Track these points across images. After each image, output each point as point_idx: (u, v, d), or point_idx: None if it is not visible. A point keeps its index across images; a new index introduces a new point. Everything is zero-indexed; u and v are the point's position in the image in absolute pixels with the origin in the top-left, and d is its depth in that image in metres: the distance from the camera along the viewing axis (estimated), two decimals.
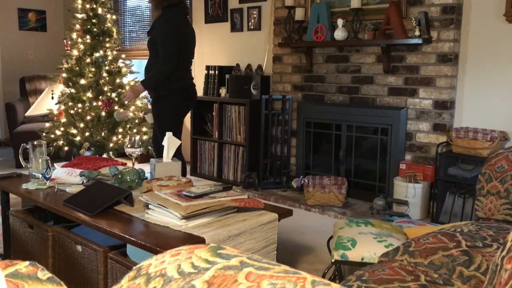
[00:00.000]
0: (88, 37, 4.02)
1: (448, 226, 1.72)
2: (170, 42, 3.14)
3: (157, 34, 3.17)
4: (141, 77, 4.06)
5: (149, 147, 4.17)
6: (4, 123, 5.97)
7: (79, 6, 4.07)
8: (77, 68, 4.03)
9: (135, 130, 4.14)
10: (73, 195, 2.25)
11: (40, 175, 2.45)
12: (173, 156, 2.67)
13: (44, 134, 4.10)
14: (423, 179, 3.43)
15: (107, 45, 4.05)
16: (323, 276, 2.17)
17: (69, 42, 4.16)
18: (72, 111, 4.02)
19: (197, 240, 1.78)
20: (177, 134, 3.40)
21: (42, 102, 5.31)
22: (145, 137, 4.12)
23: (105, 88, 4.03)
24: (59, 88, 4.36)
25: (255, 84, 4.42)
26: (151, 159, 2.71)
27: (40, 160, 2.43)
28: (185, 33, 3.28)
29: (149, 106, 4.97)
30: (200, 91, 4.80)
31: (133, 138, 2.66)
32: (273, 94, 4.40)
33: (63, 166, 2.71)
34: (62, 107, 4.09)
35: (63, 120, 4.03)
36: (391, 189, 3.61)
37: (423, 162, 3.55)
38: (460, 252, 1.41)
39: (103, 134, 3.97)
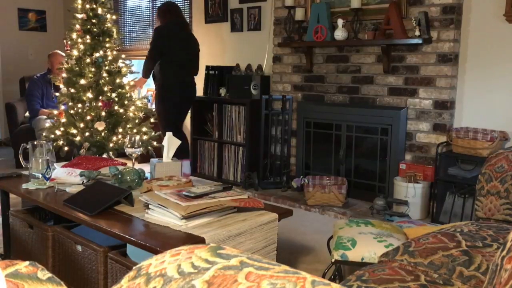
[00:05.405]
0: (88, 37, 4.01)
1: (448, 226, 1.72)
2: (151, 43, 4.30)
3: None
4: (140, 76, 4.57)
5: (149, 147, 4.16)
6: (4, 123, 5.97)
7: (79, 6, 4.06)
8: (77, 68, 4.02)
9: (135, 130, 4.13)
10: (73, 195, 2.25)
11: (40, 175, 2.45)
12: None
13: (44, 134, 4.09)
14: (423, 179, 3.43)
15: (107, 45, 4.04)
16: (323, 276, 2.17)
17: (69, 42, 4.15)
18: (72, 111, 4.01)
19: (197, 240, 1.78)
20: (170, 123, 4.21)
21: None
22: (145, 137, 4.11)
23: (105, 88, 4.02)
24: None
25: (255, 84, 4.42)
26: (151, 159, 2.71)
27: (40, 160, 2.43)
28: (176, 38, 4.23)
29: (150, 106, 5.10)
30: (200, 91, 4.81)
31: (133, 138, 2.66)
32: (273, 94, 4.40)
33: (63, 166, 2.71)
34: (62, 107, 4.09)
35: (63, 120, 4.03)
36: (391, 189, 3.61)
37: (423, 162, 3.55)
38: (460, 252, 1.41)
39: (103, 134, 3.97)
